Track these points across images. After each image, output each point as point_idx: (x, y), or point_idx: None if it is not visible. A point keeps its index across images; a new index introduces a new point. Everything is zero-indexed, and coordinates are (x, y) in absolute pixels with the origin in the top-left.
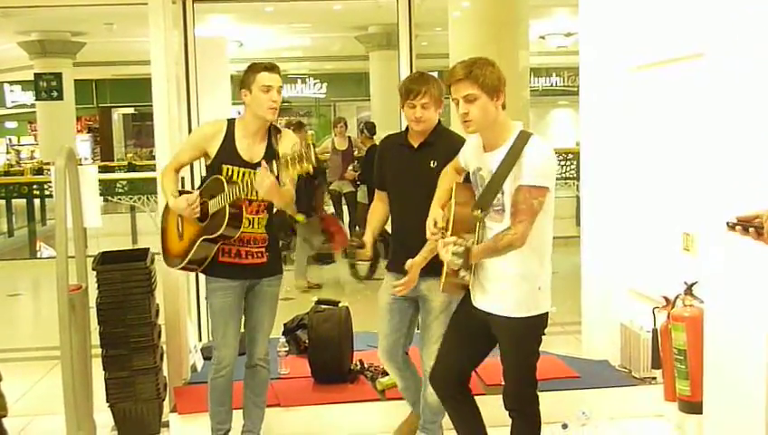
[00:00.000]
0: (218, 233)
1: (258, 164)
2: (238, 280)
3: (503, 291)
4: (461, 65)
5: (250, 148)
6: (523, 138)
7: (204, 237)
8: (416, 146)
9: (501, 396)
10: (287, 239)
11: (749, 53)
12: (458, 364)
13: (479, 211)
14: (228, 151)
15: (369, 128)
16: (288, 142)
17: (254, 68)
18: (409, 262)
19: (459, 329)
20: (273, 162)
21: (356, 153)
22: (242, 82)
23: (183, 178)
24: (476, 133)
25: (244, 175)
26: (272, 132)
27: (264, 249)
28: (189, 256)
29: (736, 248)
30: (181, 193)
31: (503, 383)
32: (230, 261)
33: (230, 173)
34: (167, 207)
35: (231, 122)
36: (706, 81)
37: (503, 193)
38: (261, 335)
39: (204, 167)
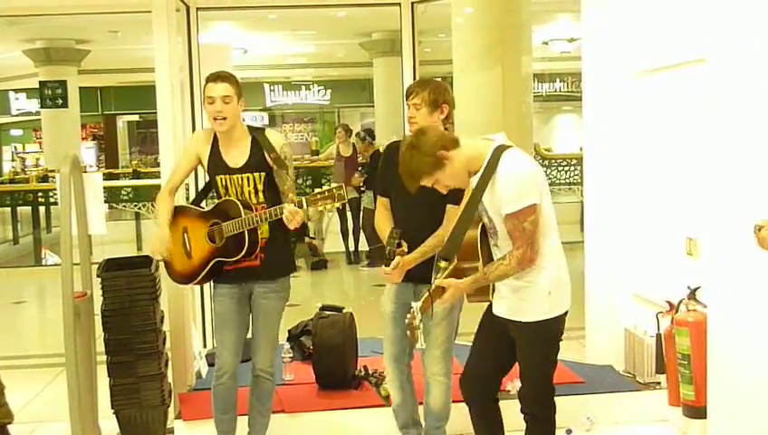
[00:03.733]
0: (237, 258)
1: (244, 168)
2: (236, 285)
3: (515, 298)
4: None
5: (232, 153)
6: (494, 159)
7: (219, 259)
8: None
9: (510, 402)
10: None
11: (751, 57)
12: (485, 372)
13: (445, 262)
14: (216, 161)
15: (369, 134)
16: (274, 141)
17: (206, 79)
18: (398, 258)
19: (485, 337)
20: (303, 199)
21: (360, 159)
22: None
23: (188, 184)
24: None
25: (234, 182)
26: (254, 133)
27: (258, 251)
28: (201, 277)
29: (739, 253)
30: (182, 208)
31: (505, 389)
32: (227, 268)
33: (224, 183)
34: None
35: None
36: (709, 86)
37: (491, 219)
38: (261, 347)
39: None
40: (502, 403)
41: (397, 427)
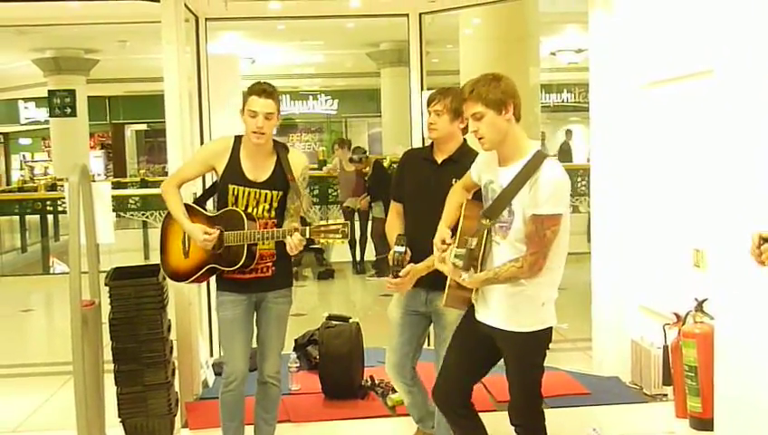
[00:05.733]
0: (231, 269)
1: (264, 184)
2: (245, 294)
3: (506, 306)
4: (467, 84)
5: (255, 167)
6: (538, 159)
7: (213, 266)
8: (439, 162)
9: (500, 414)
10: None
11: (759, 68)
12: (460, 379)
13: (487, 220)
14: (233, 171)
15: (360, 152)
16: (298, 164)
17: (250, 89)
18: (409, 266)
19: (462, 343)
20: (307, 229)
21: (365, 170)
22: (243, 101)
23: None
24: (492, 150)
25: (249, 195)
26: (279, 150)
27: (270, 264)
28: (194, 278)
29: (747, 265)
30: (189, 207)
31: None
32: (235, 277)
33: (236, 193)
34: (168, 217)
35: (237, 139)
36: (716, 97)
37: (512, 213)
38: (270, 352)
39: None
40: (493, 415)
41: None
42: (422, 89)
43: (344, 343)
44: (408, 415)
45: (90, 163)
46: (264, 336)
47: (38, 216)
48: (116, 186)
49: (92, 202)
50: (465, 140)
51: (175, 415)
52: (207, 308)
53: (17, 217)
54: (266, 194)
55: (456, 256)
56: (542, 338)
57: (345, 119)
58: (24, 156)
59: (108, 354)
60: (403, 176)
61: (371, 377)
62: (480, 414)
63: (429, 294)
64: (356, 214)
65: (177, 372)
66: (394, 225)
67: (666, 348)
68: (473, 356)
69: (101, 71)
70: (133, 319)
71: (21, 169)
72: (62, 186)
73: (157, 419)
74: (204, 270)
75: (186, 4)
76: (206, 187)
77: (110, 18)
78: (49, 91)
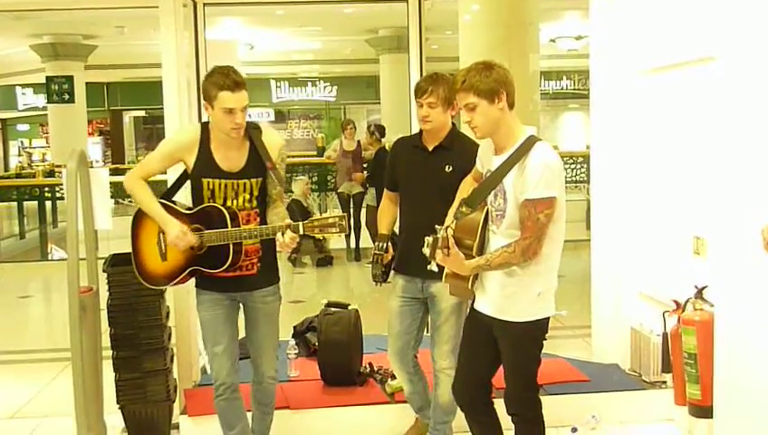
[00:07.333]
0: (217, 271)
1: (241, 173)
2: (227, 293)
3: (502, 295)
4: (460, 74)
5: (228, 157)
6: (529, 143)
7: (196, 267)
8: (430, 149)
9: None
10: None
11: (762, 56)
12: (476, 374)
13: (465, 208)
14: (206, 163)
15: (380, 130)
16: (274, 146)
17: (216, 82)
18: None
19: (472, 339)
20: (300, 225)
21: (364, 155)
22: (204, 93)
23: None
24: (486, 138)
25: (226, 187)
26: (252, 133)
27: (255, 260)
28: (176, 281)
29: (747, 252)
30: (164, 205)
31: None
32: (216, 274)
33: (212, 187)
34: (139, 213)
35: (205, 128)
36: (718, 84)
37: (506, 200)
38: (266, 354)
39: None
40: (497, 402)
41: (397, 427)
42: (421, 75)
43: (343, 329)
44: (406, 402)
45: (88, 149)
46: (256, 339)
47: (36, 202)
48: (114, 172)
49: (90, 188)
50: (454, 124)
51: (173, 401)
52: None
53: (15, 204)
54: (245, 184)
55: (426, 244)
56: (538, 329)
57: (344, 105)
58: (21, 142)
59: (106, 341)
60: (395, 165)
61: (370, 364)
62: None
63: (425, 281)
64: (351, 200)
65: (175, 358)
66: (387, 211)
67: (665, 335)
68: (483, 350)
69: (99, 57)
70: (131, 305)
71: (19, 155)
72: (60, 172)
73: (155, 405)
74: (185, 273)
75: None
76: (173, 182)
77: (108, 4)
78: (47, 77)
